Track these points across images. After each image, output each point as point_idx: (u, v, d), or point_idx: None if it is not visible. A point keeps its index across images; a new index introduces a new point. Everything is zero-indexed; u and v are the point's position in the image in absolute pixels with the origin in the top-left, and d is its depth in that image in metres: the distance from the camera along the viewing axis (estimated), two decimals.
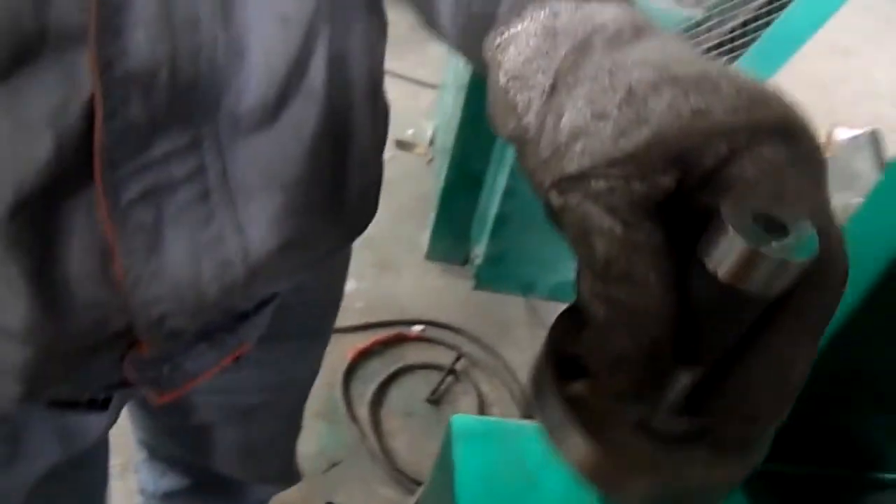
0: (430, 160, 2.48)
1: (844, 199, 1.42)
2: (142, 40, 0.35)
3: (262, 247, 0.45)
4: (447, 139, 1.90)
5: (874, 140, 2.44)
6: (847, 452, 0.71)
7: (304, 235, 0.48)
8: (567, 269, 1.87)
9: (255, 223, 0.44)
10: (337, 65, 0.45)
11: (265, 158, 0.43)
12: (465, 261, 1.98)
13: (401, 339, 1.93)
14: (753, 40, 1.38)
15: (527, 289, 1.92)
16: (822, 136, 2.68)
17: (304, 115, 0.44)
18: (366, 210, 0.57)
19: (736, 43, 1.38)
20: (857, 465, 0.71)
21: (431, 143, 2.59)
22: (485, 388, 1.89)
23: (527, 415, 0.33)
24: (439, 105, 2.47)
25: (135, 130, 0.37)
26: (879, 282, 0.55)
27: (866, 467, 0.72)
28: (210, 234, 0.43)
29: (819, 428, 0.68)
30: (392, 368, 1.85)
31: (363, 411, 1.74)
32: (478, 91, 1.72)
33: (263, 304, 0.58)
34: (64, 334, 0.41)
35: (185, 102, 0.38)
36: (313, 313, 0.77)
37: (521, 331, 2.07)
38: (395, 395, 1.82)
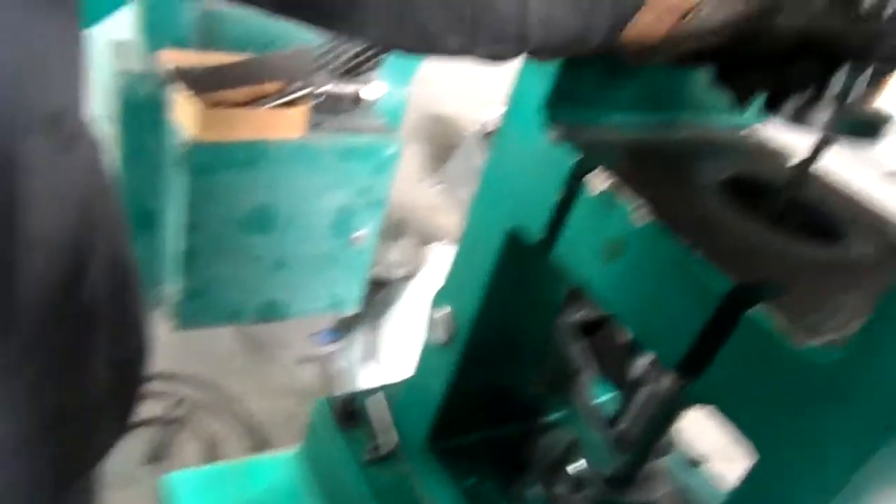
0: None
1: (470, 192, 1.65)
2: None
3: None
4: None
5: (487, 135, 2.86)
6: (511, 410, 0.83)
7: None
8: (271, 288, 1.87)
9: None
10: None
11: None
12: (159, 303, 1.86)
13: None
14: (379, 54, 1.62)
15: (233, 317, 1.87)
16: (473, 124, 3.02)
17: None
18: None
19: (362, 59, 1.57)
20: (524, 416, 0.84)
21: None
22: (213, 428, 1.81)
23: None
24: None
25: None
26: (503, 254, 0.64)
27: (532, 416, 0.84)
28: None
29: (485, 395, 0.79)
30: None
31: None
32: (134, 120, 1.61)
33: None
34: None
35: None
36: None
37: (238, 360, 2.02)
38: (108, 465, 1.65)
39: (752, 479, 0.43)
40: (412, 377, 0.82)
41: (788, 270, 0.49)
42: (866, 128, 0.49)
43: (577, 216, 0.55)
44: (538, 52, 0.50)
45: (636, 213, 0.50)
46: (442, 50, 0.47)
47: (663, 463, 0.76)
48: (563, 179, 0.55)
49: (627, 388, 0.70)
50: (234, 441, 1.78)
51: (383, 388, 0.90)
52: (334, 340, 2.19)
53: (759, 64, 0.48)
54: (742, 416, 0.44)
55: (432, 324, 0.75)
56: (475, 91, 3.84)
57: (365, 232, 1.86)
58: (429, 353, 0.78)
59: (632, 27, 0.47)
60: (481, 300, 0.68)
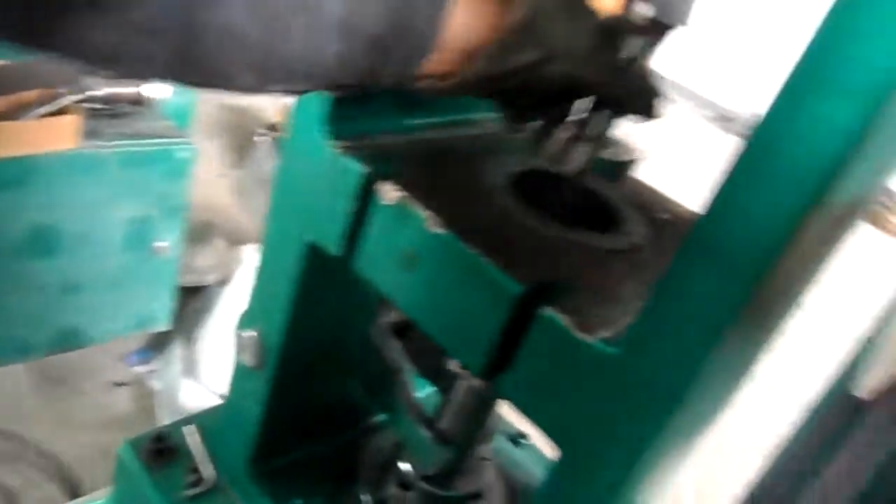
0: None
1: (265, 201, 1.61)
2: None
3: None
4: None
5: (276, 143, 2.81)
6: (334, 421, 0.81)
7: None
8: (63, 315, 1.68)
9: None
10: None
11: None
12: None
13: None
14: None
15: (21, 352, 1.66)
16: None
17: None
18: None
19: None
20: (347, 425, 0.82)
21: None
22: (10, 480, 1.61)
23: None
24: None
25: None
26: (306, 268, 0.62)
27: (356, 423, 0.83)
28: None
29: (306, 410, 0.77)
30: None
31: None
32: None
33: None
34: None
35: None
36: None
37: (31, 399, 1.81)
38: None
39: (556, 473, 0.45)
40: (226, 402, 0.78)
41: (577, 265, 0.51)
42: (613, 169, 0.55)
43: (372, 227, 0.54)
44: (330, 89, 0.53)
45: (427, 222, 0.50)
46: (233, 88, 0.45)
47: (487, 448, 0.78)
48: (354, 191, 0.53)
49: (444, 384, 0.71)
50: (40, 490, 1.60)
51: (195, 417, 0.85)
52: (147, 360, 2.03)
53: (531, 104, 0.52)
54: (542, 413, 0.45)
55: (240, 347, 0.71)
56: None
57: (167, 242, 1.73)
58: (240, 375, 0.74)
59: (422, 68, 0.48)
60: (289, 318, 0.65)
